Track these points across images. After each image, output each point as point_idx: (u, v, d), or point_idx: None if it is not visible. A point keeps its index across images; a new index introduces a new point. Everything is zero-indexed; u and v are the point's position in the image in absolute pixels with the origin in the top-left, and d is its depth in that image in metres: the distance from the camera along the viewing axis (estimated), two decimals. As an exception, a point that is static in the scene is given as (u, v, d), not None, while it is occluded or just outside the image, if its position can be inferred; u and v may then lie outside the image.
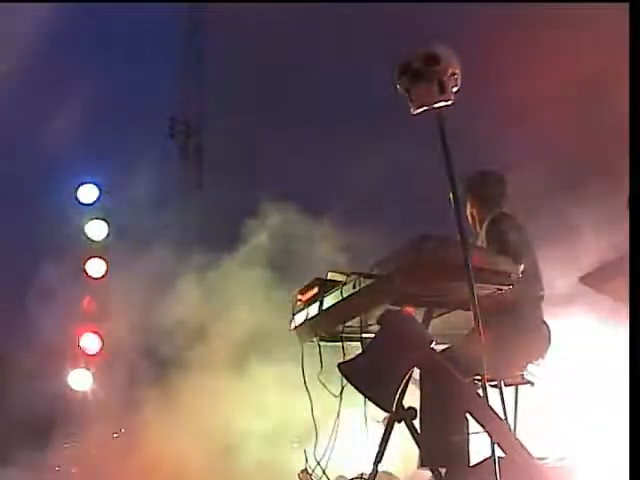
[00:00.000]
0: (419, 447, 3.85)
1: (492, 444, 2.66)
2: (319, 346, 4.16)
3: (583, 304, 5.53)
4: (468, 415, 3.00)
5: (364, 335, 3.85)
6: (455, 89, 2.67)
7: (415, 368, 3.39)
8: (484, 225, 4.53)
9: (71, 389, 8.61)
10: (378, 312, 3.55)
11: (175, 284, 7.74)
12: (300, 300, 4.15)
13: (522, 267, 3.75)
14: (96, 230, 8.89)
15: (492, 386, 3.80)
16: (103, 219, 8.93)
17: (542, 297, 4.44)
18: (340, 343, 4.00)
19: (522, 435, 3.61)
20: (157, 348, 7.92)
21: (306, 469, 3.89)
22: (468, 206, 4.74)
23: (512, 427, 3.90)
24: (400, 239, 3.65)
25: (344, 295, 3.68)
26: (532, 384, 4.26)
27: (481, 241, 4.48)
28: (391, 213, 7.99)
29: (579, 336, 5.05)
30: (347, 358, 3.60)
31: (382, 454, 3.93)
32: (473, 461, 3.64)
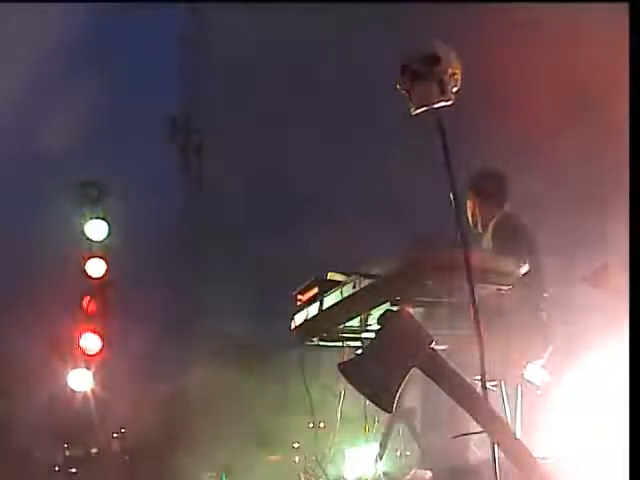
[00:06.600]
0: (419, 447, 3.85)
1: (492, 444, 2.66)
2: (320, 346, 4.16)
3: (584, 304, 5.52)
4: (468, 415, 3.00)
5: (364, 335, 3.85)
6: (455, 89, 2.68)
7: (415, 368, 3.39)
8: (490, 226, 4.53)
9: (71, 389, 8.60)
10: (378, 312, 3.55)
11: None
12: (300, 300, 4.14)
13: (525, 268, 3.75)
14: (96, 230, 8.89)
15: (492, 386, 3.79)
16: (103, 219, 8.92)
17: (544, 297, 4.43)
18: (340, 343, 4.01)
19: (522, 435, 3.61)
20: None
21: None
22: (469, 205, 4.74)
23: (512, 427, 3.90)
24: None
25: (344, 295, 3.68)
26: (532, 384, 4.26)
27: (486, 242, 4.48)
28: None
29: (579, 336, 5.05)
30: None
31: (382, 454, 3.94)
32: (473, 461, 3.64)
